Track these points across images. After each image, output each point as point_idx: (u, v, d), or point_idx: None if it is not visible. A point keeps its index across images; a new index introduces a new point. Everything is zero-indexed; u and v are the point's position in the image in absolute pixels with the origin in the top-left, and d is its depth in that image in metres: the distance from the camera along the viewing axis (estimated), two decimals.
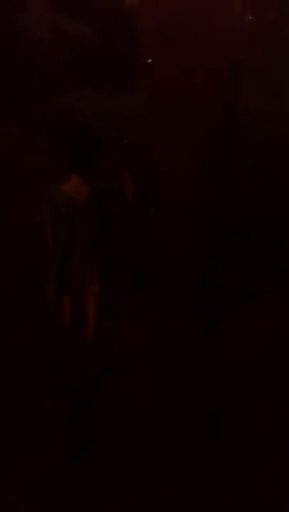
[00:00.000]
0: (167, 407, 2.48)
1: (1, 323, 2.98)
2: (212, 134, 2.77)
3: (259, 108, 6.51)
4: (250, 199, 4.27)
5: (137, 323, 2.92)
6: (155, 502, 2.08)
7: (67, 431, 2.35)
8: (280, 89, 7.61)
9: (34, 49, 7.73)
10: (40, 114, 6.48)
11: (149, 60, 2.71)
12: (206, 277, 2.99)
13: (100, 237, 2.43)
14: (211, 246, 2.96)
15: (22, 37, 7.64)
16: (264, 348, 2.85)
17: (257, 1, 10.97)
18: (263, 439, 2.35)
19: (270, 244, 3.79)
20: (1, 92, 6.73)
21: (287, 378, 2.69)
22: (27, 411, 2.44)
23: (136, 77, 6.73)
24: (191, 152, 2.76)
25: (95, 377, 2.62)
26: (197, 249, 2.92)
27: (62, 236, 2.37)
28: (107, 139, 2.43)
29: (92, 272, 2.48)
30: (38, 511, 2.05)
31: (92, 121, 2.36)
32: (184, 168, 2.78)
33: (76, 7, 8.52)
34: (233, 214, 3.27)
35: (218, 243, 3.00)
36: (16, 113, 6.44)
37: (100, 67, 8.00)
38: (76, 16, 8.53)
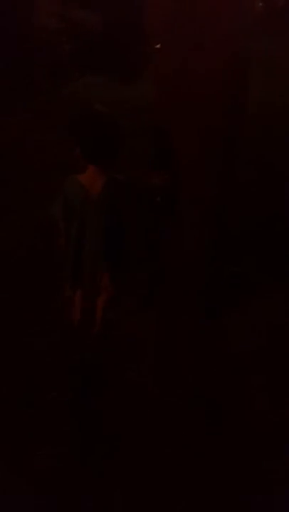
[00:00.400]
0: (170, 399, 2.48)
1: (5, 315, 2.97)
2: (219, 125, 2.72)
3: (268, 98, 6.43)
4: (255, 192, 4.23)
5: (140, 315, 2.89)
6: (158, 492, 2.08)
7: (72, 422, 2.35)
8: None
9: (40, 38, 7.68)
10: (45, 103, 6.46)
11: (158, 46, 2.66)
12: (210, 270, 2.96)
13: (113, 233, 2.30)
14: (214, 240, 2.93)
15: (27, 26, 7.59)
16: (268, 342, 2.84)
17: None
18: (264, 432, 2.34)
19: (274, 238, 3.76)
20: (6, 81, 6.69)
21: None
22: (32, 402, 2.44)
23: (142, 66, 6.66)
24: (198, 143, 2.72)
25: (99, 368, 2.61)
26: (201, 243, 2.90)
27: (74, 230, 2.27)
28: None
29: (103, 270, 2.36)
30: (45, 502, 2.05)
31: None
32: (189, 159, 2.74)
33: None
34: (238, 207, 3.23)
35: (222, 237, 2.97)
36: (20, 102, 6.40)
37: (106, 56, 7.94)
38: (82, 4, 8.47)
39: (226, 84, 2.66)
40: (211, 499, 2.07)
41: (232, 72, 2.67)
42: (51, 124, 5.83)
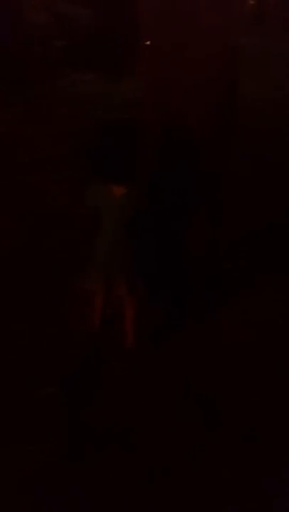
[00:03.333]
0: (164, 394, 2.48)
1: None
2: (210, 120, 2.73)
3: (258, 94, 6.46)
4: (249, 188, 4.25)
5: (134, 309, 2.89)
6: (152, 490, 2.08)
7: (64, 419, 2.35)
8: (279, 76, 7.56)
9: (32, 33, 7.65)
10: (37, 99, 6.44)
11: (148, 42, 2.66)
12: (205, 264, 2.98)
13: (122, 240, 2.50)
14: (210, 234, 2.94)
15: (20, 21, 7.55)
16: (262, 336, 2.85)
17: None
18: (260, 431, 2.36)
19: (269, 231, 3.78)
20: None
21: (285, 366, 2.69)
22: (24, 399, 2.44)
23: (135, 61, 6.65)
24: (189, 138, 2.72)
25: (93, 365, 2.61)
26: (196, 237, 2.91)
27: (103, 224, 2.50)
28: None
29: (117, 274, 2.57)
30: (35, 499, 2.05)
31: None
32: (181, 154, 2.74)
33: None
34: (232, 202, 3.24)
35: (217, 232, 2.98)
36: (12, 98, 6.38)
37: (96, 53, 7.91)
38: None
39: (217, 79, 2.67)
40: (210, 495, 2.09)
41: (222, 65, 2.67)
42: (42, 118, 5.84)
